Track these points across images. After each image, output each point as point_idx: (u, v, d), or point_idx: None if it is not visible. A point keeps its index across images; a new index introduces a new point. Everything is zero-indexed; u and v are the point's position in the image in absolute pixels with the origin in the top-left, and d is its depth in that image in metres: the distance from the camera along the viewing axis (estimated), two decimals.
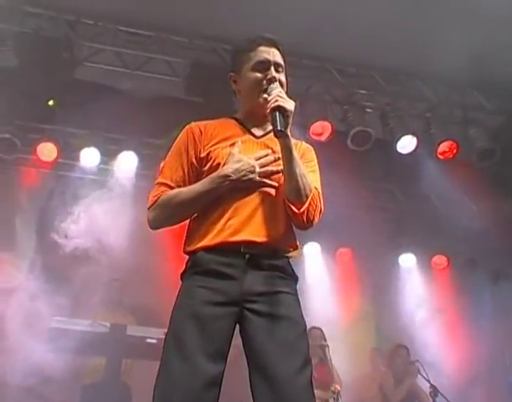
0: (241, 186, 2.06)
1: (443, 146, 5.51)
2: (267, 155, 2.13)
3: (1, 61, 5.02)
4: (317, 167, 2.31)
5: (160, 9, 5.09)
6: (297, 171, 2.04)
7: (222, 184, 2.05)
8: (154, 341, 4.77)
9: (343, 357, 5.27)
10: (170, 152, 2.22)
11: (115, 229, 5.53)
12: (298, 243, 2.20)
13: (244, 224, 2.02)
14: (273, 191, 2.12)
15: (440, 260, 7.03)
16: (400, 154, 5.53)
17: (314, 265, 6.51)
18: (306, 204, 2.05)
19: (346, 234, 6.58)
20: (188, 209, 2.10)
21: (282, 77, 2.23)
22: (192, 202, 2.07)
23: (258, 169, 2.08)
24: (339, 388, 4.36)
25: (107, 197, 5.65)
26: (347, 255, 6.75)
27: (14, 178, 5.83)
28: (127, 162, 5.92)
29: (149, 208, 2.12)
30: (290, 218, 2.09)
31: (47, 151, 5.71)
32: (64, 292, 4.99)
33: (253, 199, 2.08)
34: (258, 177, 2.08)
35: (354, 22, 5.15)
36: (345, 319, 6.16)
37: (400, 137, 5.43)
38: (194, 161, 2.15)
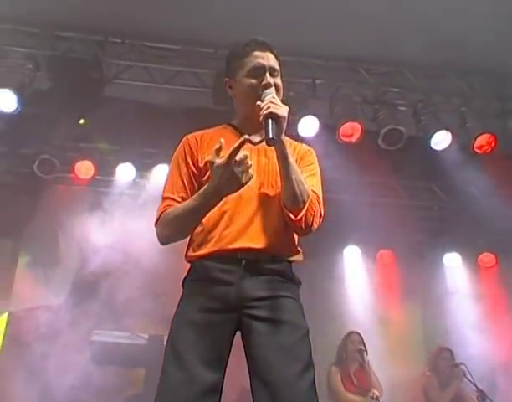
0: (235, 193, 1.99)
1: (480, 140, 5.31)
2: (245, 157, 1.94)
3: (36, 84, 5.18)
4: (317, 169, 2.26)
5: (183, 23, 5.16)
6: (293, 177, 2.00)
7: (214, 198, 1.98)
8: None
9: (384, 361, 5.15)
10: (170, 166, 2.23)
11: (154, 242, 5.61)
12: (298, 247, 2.17)
13: (241, 231, 2.01)
14: (271, 194, 2.10)
15: (487, 258, 6.77)
16: (435, 151, 5.38)
17: (355, 268, 6.41)
18: (303, 211, 2.02)
19: (386, 236, 6.45)
20: (188, 225, 2.07)
21: (278, 81, 2.20)
22: (188, 218, 2.04)
23: (239, 168, 1.91)
24: (377, 393, 4.26)
25: (144, 210, 5.76)
26: (388, 256, 6.60)
27: (55, 197, 6.01)
28: (161, 176, 6.02)
29: (155, 225, 2.13)
30: (288, 224, 2.06)
31: (84, 168, 5.89)
32: (104, 306, 5.12)
33: (250, 205, 2.07)
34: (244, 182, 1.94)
35: (379, 20, 5.07)
36: (386, 322, 6.03)
37: (433, 133, 5.28)
38: (194, 170, 2.16)
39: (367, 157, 5.39)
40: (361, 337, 4.87)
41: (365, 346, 4.75)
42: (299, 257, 2.18)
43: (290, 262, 2.12)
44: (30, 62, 5.13)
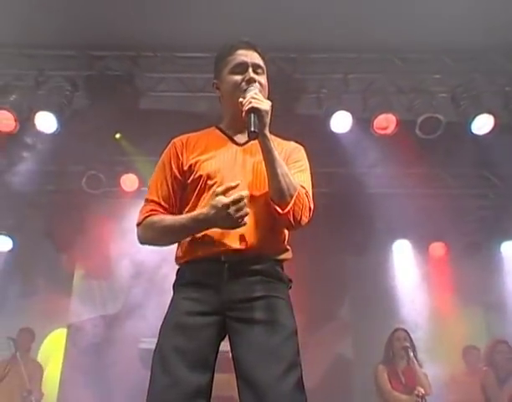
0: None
1: None
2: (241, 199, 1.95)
3: (75, 105, 5.41)
4: (306, 166, 2.23)
5: (211, 30, 5.20)
6: (278, 171, 1.99)
7: (206, 226, 2.00)
8: None
9: (436, 357, 4.98)
10: (156, 168, 2.25)
11: None
12: (287, 245, 2.14)
13: (224, 234, 2.00)
14: (258, 194, 2.07)
15: None
16: (478, 136, 5.14)
17: (405, 263, 6.23)
18: (291, 204, 1.99)
19: (438, 228, 6.24)
20: (174, 239, 2.11)
21: (261, 79, 2.20)
22: (177, 234, 2.07)
23: (234, 215, 1.93)
24: (423, 391, 4.10)
25: None
26: (441, 249, 6.36)
27: (104, 210, 6.22)
28: None
29: (137, 225, 2.15)
30: (277, 219, 2.02)
31: (129, 181, 6.09)
32: (152, 314, 5.24)
33: None
34: (234, 225, 1.96)
35: (409, 7, 4.93)
36: (438, 317, 5.81)
37: (475, 117, 5.05)
38: (177, 174, 2.17)
39: (406, 148, 5.23)
40: (408, 334, 4.71)
41: (411, 343, 4.59)
42: (286, 255, 2.14)
43: (277, 261, 2.09)
44: (69, 83, 5.35)
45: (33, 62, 5.42)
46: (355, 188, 5.81)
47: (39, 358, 6.13)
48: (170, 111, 5.73)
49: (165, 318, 2.02)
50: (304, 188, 2.08)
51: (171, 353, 1.90)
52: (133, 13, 5.18)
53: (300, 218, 2.02)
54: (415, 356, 4.41)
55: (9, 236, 6.32)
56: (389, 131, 5.01)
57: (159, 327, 2.02)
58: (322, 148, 5.57)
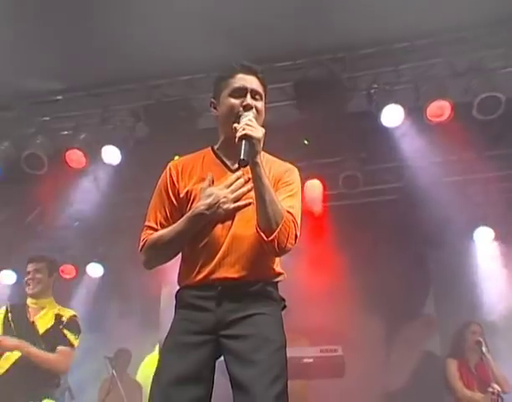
0: (218, 218, 2.14)
1: None
2: (237, 179, 2.18)
3: (138, 133, 5.74)
4: (298, 189, 2.29)
5: (251, 41, 5.28)
6: (266, 198, 2.06)
7: (199, 222, 2.14)
8: (310, 360, 4.86)
9: None
10: (154, 195, 2.36)
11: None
12: (278, 269, 2.23)
13: (217, 265, 2.13)
14: (248, 220, 2.16)
15: None
16: None
17: (487, 253, 5.86)
18: (276, 232, 2.06)
19: None
20: (172, 248, 2.23)
21: (259, 104, 2.28)
22: (173, 242, 2.19)
23: (231, 196, 2.13)
24: (498, 388, 3.87)
25: None
26: None
27: None
28: None
29: (140, 252, 2.29)
30: (262, 245, 2.10)
31: None
32: None
33: (225, 237, 2.15)
34: (232, 205, 2.14)
35: None
36: None
37: None
38: (174, 201, 2.27)
39: (467, 133, 4.96)
40: (481, 328, 4.47)
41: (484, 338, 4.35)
42: (278, 278, 2.24)
43: (269, 283, 2.19)
44: (131, 115, 5.70)
45: (98, 100, 5.83)
46: (422, 179, 5.60)
47: (138, 378, 6.50)
48: None
49: (166, 337, 2.16)
50: (291, 214, 2.14)
51: (166, 370, 2.06)
52: (183, 39, 5.43)
53: (285, 245, 2.10)
54: (488, 351, 4.17)
55: (100, 263, 6.82)
56: (444, 117, 4.78)
57: None
58: (379, 144, 5.47)
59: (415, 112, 4.98)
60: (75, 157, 5.49)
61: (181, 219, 2.17)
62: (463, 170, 5.73)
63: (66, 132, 5.84)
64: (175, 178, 2.30)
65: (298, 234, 2.14)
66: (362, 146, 5.67)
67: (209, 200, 2.12)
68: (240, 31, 5.28)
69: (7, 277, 7.12)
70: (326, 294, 5.95)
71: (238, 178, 2.18)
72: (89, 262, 6.93)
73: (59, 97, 5.86)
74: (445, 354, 5.04)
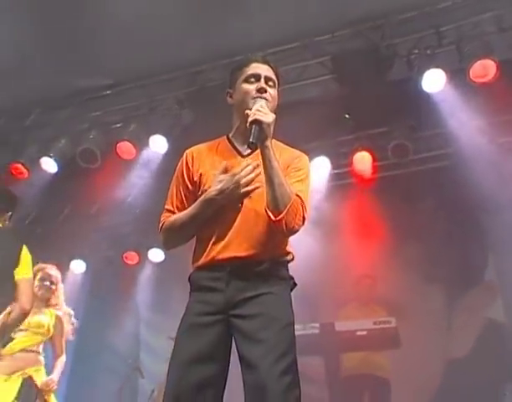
0: (229, 203, 2.23)
1: None
2: (247, 166, 2.23)
3: (184, 120, 5.88)
4: (307, 175, 2.36)
5: (286, 20, 5.27)
6: (275, 180, 2.15)
7: (210, 206, 2.23)
8: (364, 333, 4.89)
9: None
10: (172, 180, 2.48)
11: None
12: (287, 248, 2.30)
13: (226, 245, 2.21)
14: (257, 203, 2.23)
15: None
16: None
17: None
18: (284, 213, 2.13)
19: None
20: (187, 231, 2.33)
21: (272, 91, 2.37)
22: (187, 225, 2.29)
23: (240, 182, 2.20)
24: None
25: None
26: None
27: None
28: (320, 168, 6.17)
29: (159, 233, 2.41)
30: (271, 225, 2.17)
31: None
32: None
33: (234, 219, 2.23)
34: (242, 190, 2.20)
35: None
36: None
37: None
38: (188, 184, 2.38)
39: None
40: None
41: None
42: (286, 257, 2.30)
43: (277, 262, 2.25)
44: (176, 103, 5.84)
45: (144, 91, 6.02)
46: (472, 142, 5.42)
47: None
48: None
49: (182, 319, 2.26)
50: (300, 197, 2.21)
51: (181, 350, 2.15)
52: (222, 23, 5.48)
53: (293, 226, 2.18)
54: None
55: (161, 248, 7.04)
56: (488, 77, 4.60)
57: None
58: (425, 111, 5.35)
59: (458, 75, 4.82)
60: (126, 148, 5.71)
61: (194, 204, 2.27)
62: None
63: (116, 125, 6.08)
64: (190, 164, 2.41)
65: (305, 216, 2.22)
66: (408, 114, 5.55)
67: (220, 186, 2.20)
68: (275, 8, 5.30)
69: (78, 266, 7.53)
70: (382, 265, 5.92)
71: (248, 166, 2.23)
72: (150, 248, 7.18)
73: (108, 92, 6.11)
74: (510, 320, 4.89)
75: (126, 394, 6.24)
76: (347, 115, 5.68)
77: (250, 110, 2.22)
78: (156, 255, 7.16)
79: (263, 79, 2.35)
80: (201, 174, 2.34)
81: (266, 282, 2.17)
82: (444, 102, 4.97)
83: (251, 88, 2.33)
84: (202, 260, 2.25)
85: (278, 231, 2.19)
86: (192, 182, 2.37)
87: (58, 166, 6.05)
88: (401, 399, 5.21)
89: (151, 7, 5.26)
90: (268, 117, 2.17)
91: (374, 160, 5.97)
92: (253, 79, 2.35)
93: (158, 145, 5.64)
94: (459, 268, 5.97)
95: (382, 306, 5.71)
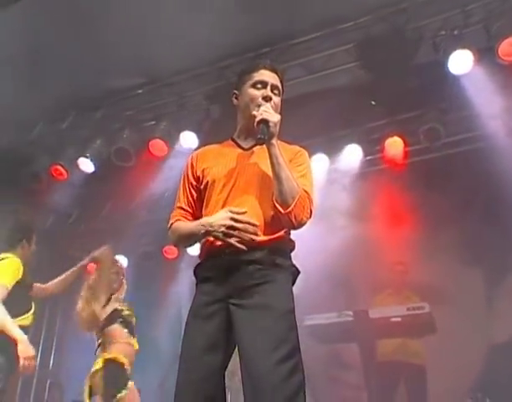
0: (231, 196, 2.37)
1: None
2: (244, 213, 2.26)
3: (212, 115, 5.96)
4: (308, 169, 2.47)
5: (314, 8, 5.25)
6: (282, 175, 2.26)
7: (202, 232, 2.30)
8: (398, 319, 4.87)
9: None
10: (180, 180, 2.61)
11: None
12: (286, 236, 2.36)
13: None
14: (256, 191, 2.35)
15: None
16: None
17: None
18: (292, 206, 2.24)
19: None
20: (184, 243, 2.55)
21: (276, 99, 2.48)
22: (185, 236, 2.44)
23: (223, 229, 2.22)
24: None
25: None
26: None
27: None
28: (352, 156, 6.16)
29: (168, 229, 2.52)
30: (280, 218, 2.27)
31: None
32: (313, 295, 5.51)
33: (236, 203, 2.32)
34: (221, 236, 2.24)
35: None
36: None
37: None
38: (193, 181, 2.51)
39: None
40: None
41: None
42: (288, 246, 2.36)
43: (276, 250, 2.29)
44: (204, 98, 5.93)
45: (173, 88, 6.13)
46: (503, 123, 5.29)
47: None
48: (300, 96, 5.91)
49: (189, 310, 2.36)
50: (306, 191, 2.32)
51: (187, 342, 2.26)
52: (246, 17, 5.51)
53: (301, 218, 2.30)
54: None
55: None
56: None
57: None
58: (455, 93, 5.25)
59: (486, 54, 4.70)
60: (158, 145, 5.85)
61: (196, 223, 2.37)
62: None
63: (148, 123, 6.22)
64: (194, 162, 2.56)
65: (312, 209, 2.32)
66: (437, 97, 5.45)
67: (211, 220, 2.28)
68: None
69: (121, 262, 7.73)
70: (416, 250, 5.86)
71: (244, 212, 2.25)
72: None
73: (139, 91, 6.25)
74: None
75: (170, 385, 6.40)
76: (373, 102, 5.63)
77: (254, 115, 2.34)
78: (194, 248, 7.27)
79: (269, 87, 2.46)
80: (203, 169, 2.48)
81: (266, 270, 2.24)
82: (473, 83, 4.87)
83: (257, 94, 2.45)
84: (204, 251, 2.37)
85: (287, 224, 2.29)
86: (196, 178, 2.51)
87: (94, 165, 6.24)
88: (439, 386, 5.16)
89: (176, 4, 5.36)
90: (274, 117, 2.30)
91: (405, 145, 5.91)
92: (259, 86, 2.47)
93: (189, 141, 5.75)
94: (499, 252, 5.84)
95: (416, 292, 5.66)
